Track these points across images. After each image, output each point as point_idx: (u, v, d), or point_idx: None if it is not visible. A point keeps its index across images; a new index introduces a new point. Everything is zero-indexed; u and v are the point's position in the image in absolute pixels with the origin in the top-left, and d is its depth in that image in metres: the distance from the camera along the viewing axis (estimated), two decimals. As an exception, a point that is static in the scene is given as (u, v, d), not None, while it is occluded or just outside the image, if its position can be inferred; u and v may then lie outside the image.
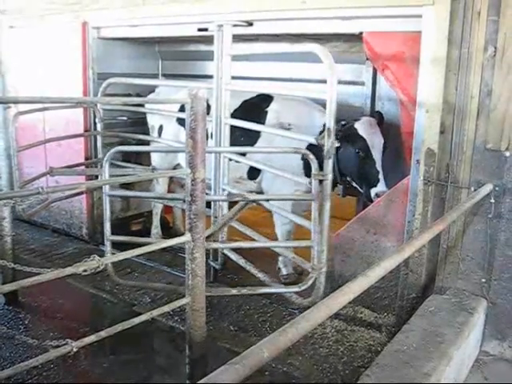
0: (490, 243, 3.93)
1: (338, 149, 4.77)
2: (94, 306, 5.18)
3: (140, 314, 3.39)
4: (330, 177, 4.14)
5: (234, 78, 4.80)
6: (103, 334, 2.94)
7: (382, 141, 4.70)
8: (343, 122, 4.84)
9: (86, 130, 6.07)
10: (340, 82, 5.54)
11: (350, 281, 2.11)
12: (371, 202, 4.67)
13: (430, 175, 4.01)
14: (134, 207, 6.80)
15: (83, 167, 5.82)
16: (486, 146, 3.83)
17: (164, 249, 5.30)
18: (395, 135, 4.72)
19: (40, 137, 5.97)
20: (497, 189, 3.81)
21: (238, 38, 5.00)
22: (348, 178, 4.93)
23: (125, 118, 6.31)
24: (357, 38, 4.47)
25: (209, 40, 4.92)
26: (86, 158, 6.07)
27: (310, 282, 4.19)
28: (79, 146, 6.00)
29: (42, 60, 6.44)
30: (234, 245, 4.71)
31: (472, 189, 3.87)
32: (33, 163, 6.30)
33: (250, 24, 4.81)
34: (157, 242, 4.11)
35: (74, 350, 2.76)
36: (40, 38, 6.44)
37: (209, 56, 4.94)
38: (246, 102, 5.30)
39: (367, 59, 5.00)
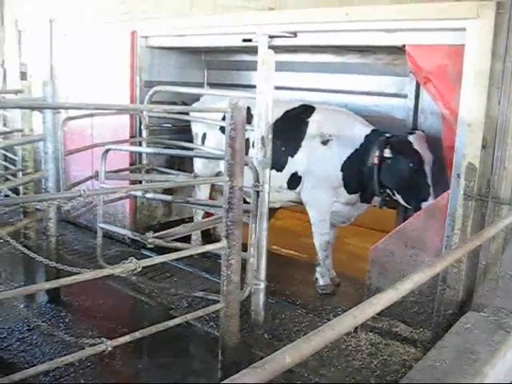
0: (530, 261, 3.85)
1: (381, 161, 4.78)
2: (132, 308, 5.30)
3: (176, 317, 3.48)
4: (266, 187, 4.28)
5: (277, 88, 4.85)
6: (138, 334, 3.02)
7: (432, 156, 4.70)
8: (388, 135, 4.84)
9: (131, 136, 6.23)
10: (383, 94, 5.64)
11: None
12: None
13: (470, 190, 3.95)
14: (176, 213, 6.92)
15: (128, 172, 5.96)
16: (528, 161, 3.77)
17: (204, 255, 5.45)
18: (437, 149, 4.68)
19: (88, 142, 6.14)
20: (538, 205, 3.74)
21: (281, 49, 5.07)
22: (388, 190, 4.91)
23: (169, 125, 6.43)
24: (400, 50, 4.45)
25: (253, 50, 4.99)
26: (131, 164, 6.22)
27: (245, 296, 4.24)
28: (125, 151, 6.13)
29: (91, 67, 6.66)
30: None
31: (513, 205, 3.81)
32: (80, 167, 6.49)
33: (295, 35, 4.86)
34: (194, 247, 4.21)
35: (109, 348, 2.85)
36: (91, 46, 6.67)
37: (253, 66, 5.00)
38: (288, 112, 5.35)
39: (411, 72, 4.97)
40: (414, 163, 4.65)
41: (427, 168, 4.67)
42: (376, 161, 4.82)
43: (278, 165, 5.07)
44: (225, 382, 1.37)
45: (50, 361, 2.92)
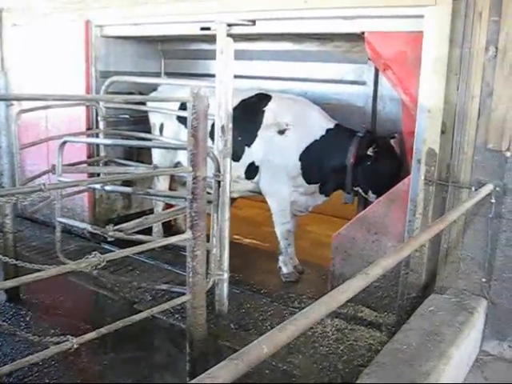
0: (490, 243, 3.94)
1: (358, 160, 4.82)
2: (94, 303, 5.20)
3: (140, 311, 3.42)
4: (227, 177, 4.29)
5: (236, 76, 4.80)
6: (104, 330, 2.96)
7: None
8: (361, 135, 4.88)
9: (88, 128, 6.08)
10: (342, 82, 5.66)
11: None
12: None
13: (430, 175, 4.02)
14: (136, 205, 6.81)
15: (85, 165, 5.83)
16: (486, 146, 3.84)
17: (165, 247, 5.38)
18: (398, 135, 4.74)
19: (42, 135, 5.97)
20: (497, 189, 3.82)
21: (240, 37, 5.02)
22: (360, 189, 5.00)
23: (127, 116, 6.31)
24: (359, 37, 4.47)
25: (211, 39, 4.93)
26: (89, 157, 6.09)
27: (209, 287, 4.21)
28: (82, 144, 5.99)
29: (44, 58, 6.46)
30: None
31: (473, 189, 3.88)
32: (35, 161, 6.32)
33: (253, 23, 4.82)
34: (158, 240, 4.14)
35: (75, 346, 2.78)
36: (43, 36, 6.46)
37: (211, 55, 4.94)
38: (244, 101, 5.31)
39: (369, 59, 5.00)
40: (396, 167, 4.73)
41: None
42: (352, 159, 4.85)
43: (235, 155, 5.03)
44: (202, 376, 1.33)
45: (13, 361, 2.83)
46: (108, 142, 5.54)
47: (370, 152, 4.74)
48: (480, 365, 3.94)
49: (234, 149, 4.54)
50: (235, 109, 5.04)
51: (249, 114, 5.19)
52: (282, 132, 5.09)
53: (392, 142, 4.79)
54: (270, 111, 5.21)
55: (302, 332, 1.76)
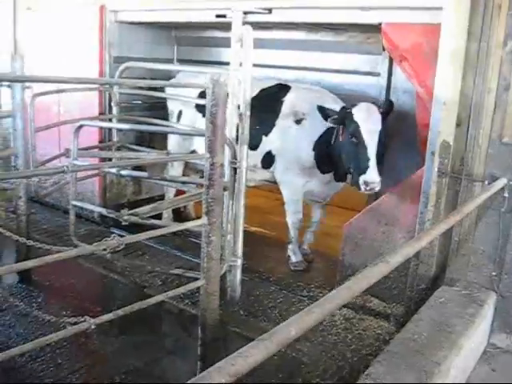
0: (501, 237, 3.96)
1: (335, 134, 4.82)
2: (105, 286, 5.25)
3: (150, 295, 3.45)
4: (244, 164, 4.30)
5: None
6: (120, 312, 2.99)
7: (379, 128, 4.53)
8: (344, 106, 4.85)
9: (100, 113, 6.11)
10: (356, 73, 5.67)
11: (362, 269, 2.15)
12: (359, 189, 4.57)
13: (444, 167, 4.03)
14: (146, 191, 6.84)
15: (98, 150, 5.85)
16: (501, 139, 3.86)
17: (175, 233, 5.42)
18: (410, 127, 4.73)
19: (55, 119, 5.98)
20: (511, 183, 3.83)
21: (255, 26, 5.02)
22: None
23: (140, 102, 6.32)
24: (374, 28, 4.47)
25: (225, 26, 4.93)
26: (101, 141, 6.11)
27: (222, 272, 4.20)
28: (94, 128, 6.00)
29: (58, 43, 6.46)
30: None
31: (486, 182, 3.89)
32: (47, 145, 6.32)
33: (269, 11, 4.81)
34: (174, 225, 4.17)
35: (93, 327, 2.82)
36: (57, 21, 6.46)
37: (224, 43, 4.95)
38: (263, 90, 5.33)
39: (384, 50, 5.00)
40: (353, 134, 4.54)
41: (369, 140, 4.49)
42: (341, 138, 4.80)
43: (252, 143, 5.05)
44: (234, 354, 1.37)
45: (25, 342, 2.87)
46: (125, 126, 5.54)
47: (329, 124, 4.77)
48: (488, 357, 3.97)
49: (252, 137, 4.55)
50: (254, 98, 5.06)
51: (268, 104, 5.21)
52: (298, 121, 5.11)
53: (354, 109, 4.62)
54: (289, 101, 5.22)
55: (326, 315, 1.79)
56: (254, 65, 4.44)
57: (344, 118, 4.66)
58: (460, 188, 4.07)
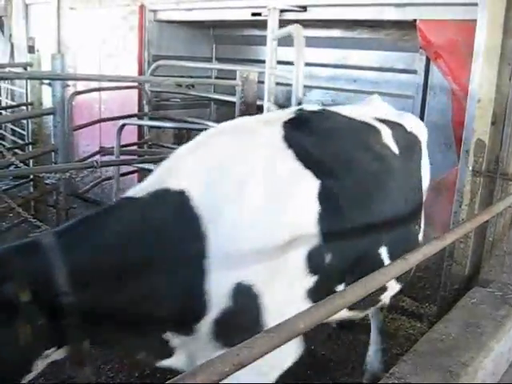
0: (537, 238, 3.87)
1: None
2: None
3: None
4: None
5: (286, 63, 4.77)
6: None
7: None
8: None
9: (139, 111, 6.22)
10: (393, 70, 5.61)
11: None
12: None
13: (478, 166, 3.95)
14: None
15: (135, 147, 5.97)
16: (538, 138, 3.76)
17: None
18: (446, 125, 4.67)
19: (96, 116, 6.15)
20: (547, 183, 3.74)
21: (291, 24, 5.02)
22: None
23: (178, 100, 6.42)
24: (411, 25, 4.42)
25: (262, 25, 4.95)
26: (139, 139, 6.23)
27: None
28: (133, 126, 6.13)
29: (99, 42, 6.63)
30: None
31: (521, 182, 3.81)
32: (88, 142, 6.51)
33: (304, 9, 4.82)
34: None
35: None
36: (99, 20, 6.63)
37: (262, 41, 4.97)
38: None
39: (420, 47, 4.93)
40: None
41: None
42: None
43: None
44: (239, 345, 1.39)
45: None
46: (169, 125, 5.63)
47: None
48: (520, 361, 3.88)
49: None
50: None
51: None
52: None
53: None
54: None
55: (337, 311, 1.79)
56: (289, 63, 4.43)
57: None
58: (495, 187, 3.99)
